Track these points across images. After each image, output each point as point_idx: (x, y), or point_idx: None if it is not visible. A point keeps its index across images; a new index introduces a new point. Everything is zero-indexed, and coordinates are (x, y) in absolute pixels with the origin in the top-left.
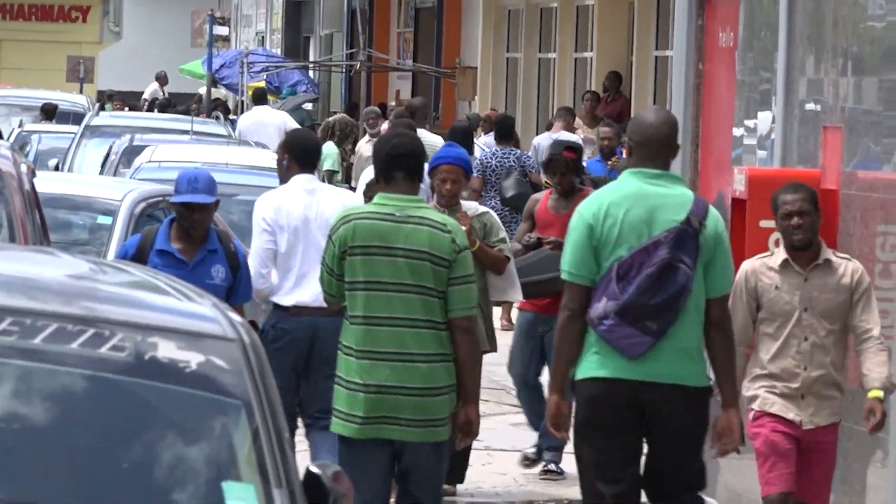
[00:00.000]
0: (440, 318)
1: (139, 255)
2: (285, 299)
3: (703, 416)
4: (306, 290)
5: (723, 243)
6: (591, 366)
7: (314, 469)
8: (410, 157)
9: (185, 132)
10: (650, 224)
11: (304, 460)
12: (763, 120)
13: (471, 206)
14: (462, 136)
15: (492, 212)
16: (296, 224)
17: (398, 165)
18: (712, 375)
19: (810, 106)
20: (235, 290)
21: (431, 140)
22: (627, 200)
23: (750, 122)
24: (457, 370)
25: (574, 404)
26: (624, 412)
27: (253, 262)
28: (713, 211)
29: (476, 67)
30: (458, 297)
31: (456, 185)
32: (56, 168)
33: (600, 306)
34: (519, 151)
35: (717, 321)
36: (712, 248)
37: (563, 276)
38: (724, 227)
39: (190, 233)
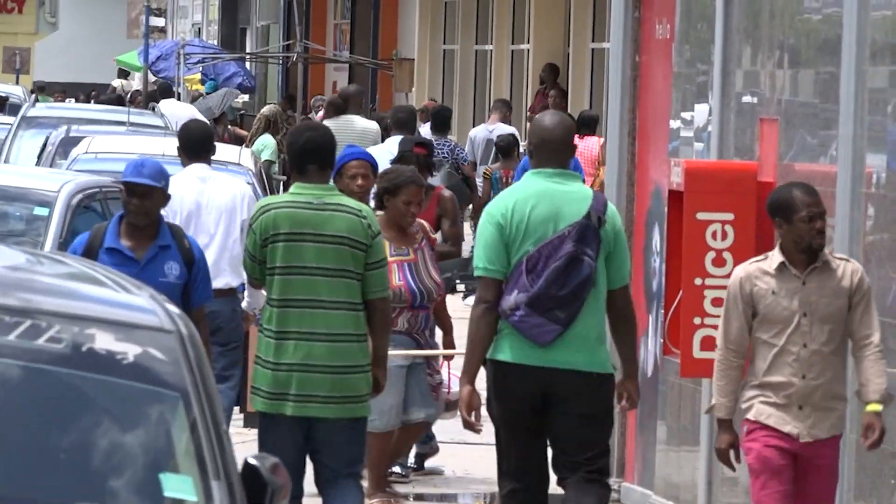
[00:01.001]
0: (358, 300)
1: (87, 254)
2: None
3: (606, 401)
4: None
5: (621, 236)
6: (502, 349)
7: (252, 461)
8: (323, 150)
9: (122, 123)
10: (555, 219)
11: (243, 453)
12: (700, 112)
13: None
14: (407, 120)
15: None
16: (188, 210)
17: (311, 158)
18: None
19: (747, 98)
20: (194, 288)
21: (366, 125)
22: (533, 198)
23: (687, 115)
24: (372, 340)
25: (486, 381)
26: (534, 395)
27: None
28: (612, 207)
29: (413, 59)
30: (375, 280)
31: (367, 181)
32: None
33: (511, 298)
34: (453, 143)
35: (620, 308)
36: (612, 242)
37: (477, 271)
38: (621, 221)
39: (135, 222)
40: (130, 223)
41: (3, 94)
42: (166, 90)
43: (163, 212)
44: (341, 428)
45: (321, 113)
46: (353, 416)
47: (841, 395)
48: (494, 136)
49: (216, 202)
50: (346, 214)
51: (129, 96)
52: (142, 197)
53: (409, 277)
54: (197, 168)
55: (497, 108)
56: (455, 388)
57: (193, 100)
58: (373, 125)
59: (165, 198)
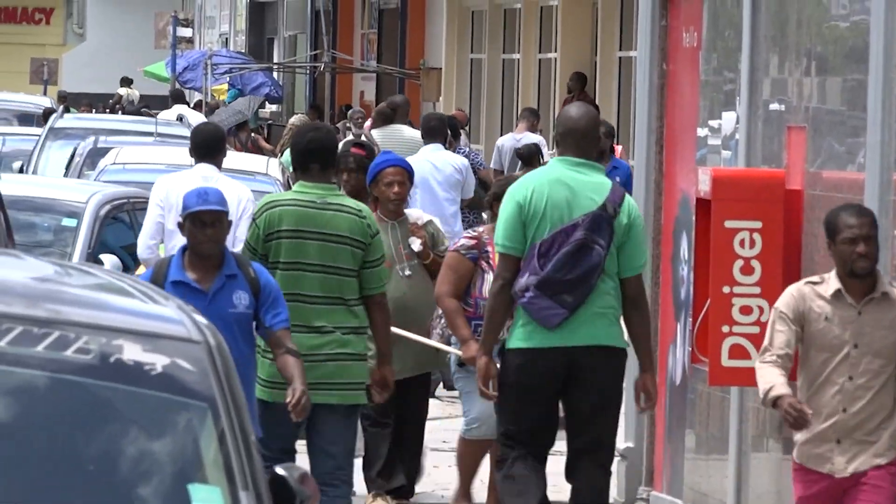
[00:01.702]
0: (356, 296)
1: None
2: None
3: (619, 374)
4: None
5: (636, 227)
6: (520, 337)
7: (280, 471)
8: (325, 150)
9: (150, 134)
10: (571, 207)
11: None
12: (727, 120)
13: (413, 215)
14: (437, 128)
15: (435, 220)
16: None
17: (314, 158)
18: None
19: (774, 106)
20: (266, 312)
21: (413, 134)
22: (553, 184)
23: (714, 123)
24: (375, 338)
25: (502, 369)
26: (552, 375)
27: (143, 236)
28: (629, 199)
29: (440, 68)
30: (374, 277)
31: (403, 188)
32: (20, 170)
33: (523, 280)
34: (467, 149)
35: (632, 297)
36: (626, 232)
37: (498, 248)
38: (639, 213)
39: (204, 254)
40: (195, 254)
41: (48, 107)
42: (178, 97)
43: (158, 206)
44: (342, 414)
45: (367, 124)
46: (353, 403)
47: (885, 427)
48: (521, 145)
49: None
50: (347, 214)
51: (119, 104)
52: (211, 225)
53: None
54: (203, 168)
55: (525, 117)
56: None
57: (211, 109)
58: (418, 134)
59: (229, 224)
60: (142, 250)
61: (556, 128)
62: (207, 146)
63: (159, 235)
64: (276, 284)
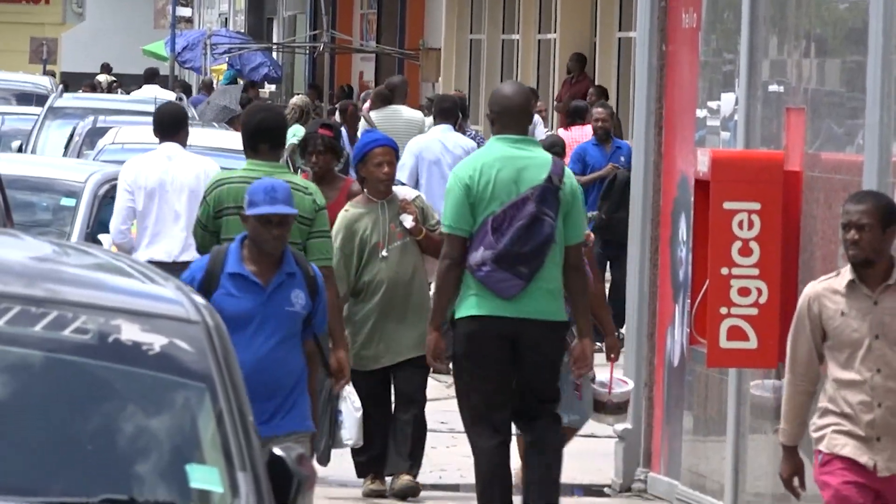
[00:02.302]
0: None
1: (208, 279)
2: (141, 255)
3: (561, 345)
4: (160, 247)
5: (577, 198)
6: (470, 306)
7: (278, 452)
8: (274, 131)
9: (149, 114)
10: (518, 182)
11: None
12: (726, 101)
13: (401, 191)
14: (450, 109)
15: (422, 195)
16: (152, 186)
17: (264, 138)
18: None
19: (773, 87)
20: (315, 316)
21: (411, 115)
22: (498, 162)
23: (713, 104)
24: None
25: (453, 340)
26: (499, 343)
27: (115, 220)
28: (568, 170)
29: (439, 49)
30: (317, 248)
31: (392, 168)
32: (19, 150)
33: (478, 255)
34: (474, 132)
35: (573, 264)
36: (570, 203)
37: (444, 229)
38: (577, 184)
39: (267, 252)
40: (258, 248)
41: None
42: (151, 76)
43: (126, 190)
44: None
45: (366, 105)
46: None
47: None
48: None
49: (180, 180)
50: (293, 191)
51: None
52: (279, 225)
53: None
54: (167, 147)
55: None
56: (616, 389)
57: (206, 86)
58: (418, 115)
59: (293, 219)
60: (114, 235)
61: (489, 107)
62: (170, 125)
63: (130, 220)
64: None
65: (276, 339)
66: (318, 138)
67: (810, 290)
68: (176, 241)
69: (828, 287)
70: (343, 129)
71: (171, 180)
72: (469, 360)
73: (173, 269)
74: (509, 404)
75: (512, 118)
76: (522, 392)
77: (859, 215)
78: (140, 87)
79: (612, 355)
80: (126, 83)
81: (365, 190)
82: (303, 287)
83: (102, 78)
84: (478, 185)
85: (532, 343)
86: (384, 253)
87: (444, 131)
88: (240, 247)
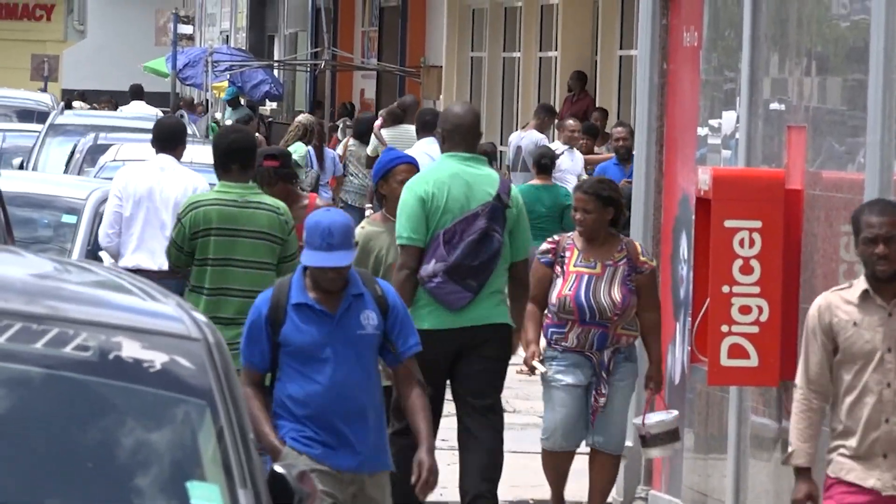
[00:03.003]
0: None
1: (273, 312)
2: (128, 261)
3: (507, 346)
4: (145, 254)
5: (522, 216)
6: (422, 319)
7: (279, 469)
8: (244, 152)
9: (150, 131)
10: (469, 198)
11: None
12: (727, 119)
13: None
14: (433, 122)
15: None
16: (141, 194)
17: (234, 158)
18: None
19: (774, 105)
20: (396, 336)
21: None
22: (450, 178)
23: (714, 122)
24: None
25: None
26: (443, 356)
27: (103, 225)
28: (514, 188)
29: (441, 66)
30: (289, 270)
31: None
32: (20, 167)
33: (430, 267)
34: None
35: (520, 279)
36: (515, 219)
37: (400, 241)
38: (522, 202)
39: (331, 290)
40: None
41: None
42: (137, 92)
43: (116, 196)
44: None
45: (378, 123)
46: None
47: None
48: (524, 143)
49: (168, 191)
50: (266, 212)
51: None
52: (336, 270)
53: (581, 290)
54: (161, 159)
55: (536, 114)
56: (650, 419)
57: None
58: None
59: (355, 246)
60: (101, 239)
61: (440, 125)
62: (168, 138)
63: (117, 225)
64: (403, 304)
65: (350, 364)
66: (264, 172)
67: (822, 300)
68: (161, 250)
69: (840, 297)
70: (310, 150)
71: (161, 190)
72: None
73: (157, 277)
74: (437, 414)
75: (461, 136)
76: (463, 393)
77: (888, 227)
78: (128, 103)
79: (651, 386)
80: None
81: (384, 209)
82: (372, 307)
83: (77, 105)
84: (431, 200)
85: (475, 346)
86: None
87: (430, 143)
88: (302, 275)
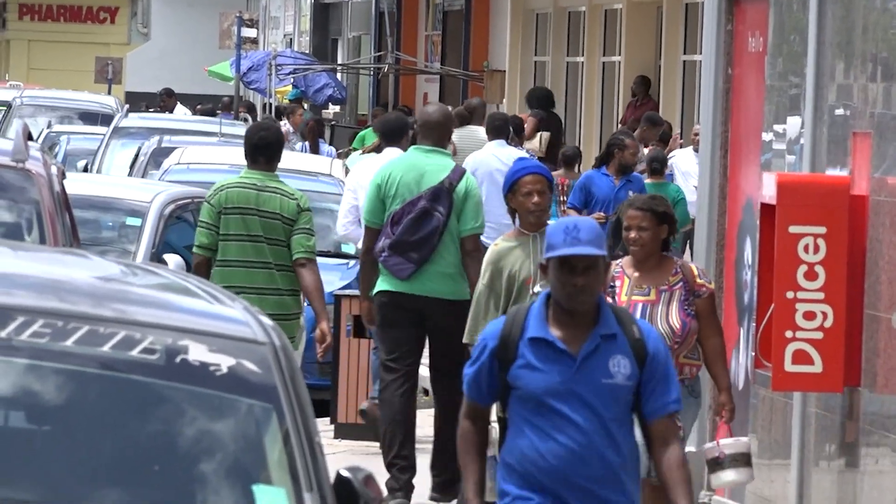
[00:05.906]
0: (287, 262)
1: (503, 346)
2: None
3: (463, 317)
4: None
5: (471, 198)
6: (381, 283)
7: (345, 473)
8: (272, 147)
9: (214, 134)
10: (419, 185)
11: (334, 464)
12: (792, 125)
13: None
14: (502, 127)
15: None
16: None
17: (262, 152)
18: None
19: (839, 111)
20: (650, 392)
21: (485, 137)
22: (405, 167)
23: (779, 127)
24: (307, 298)
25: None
26: (403, 312)
27: (340, 217)
28: (469, 177)
29: (504, 71)
30: (298, 243)
31: (544, 198)
32: (85, 169)
33: (380, 243)
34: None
35: (469, 251)
36: (462, 201)
37: (365, 222)
38: (476, 187)
39: (576, 308)
40: (563, 308)
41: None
42: (169, 94)
43: (349, 188)
44: None
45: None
46: None
47: None
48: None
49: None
50: (280, 196)
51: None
52: (585, 272)
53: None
54: (389, 151)
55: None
56: (724, 442)
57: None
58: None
59: (608, 268)
60: (339, 229)
61: (415, 122)
62: (393, 131)
63: (351, 215)
64: (667, 352)
65: (592, 420)
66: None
67: None
68: None
69: None
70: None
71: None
72: (381, 324)
73: None
74: (416, 358)
75: (426, 130)
76: (432, 354)
77: None
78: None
79: (724, 412)
80: (191, 104)
81: (516, 222)
82: (626, 352)
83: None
84: (386, 186)
85: (431, 315)
86: (536, 289)
87: (499, 145)
88: (544, 306)
